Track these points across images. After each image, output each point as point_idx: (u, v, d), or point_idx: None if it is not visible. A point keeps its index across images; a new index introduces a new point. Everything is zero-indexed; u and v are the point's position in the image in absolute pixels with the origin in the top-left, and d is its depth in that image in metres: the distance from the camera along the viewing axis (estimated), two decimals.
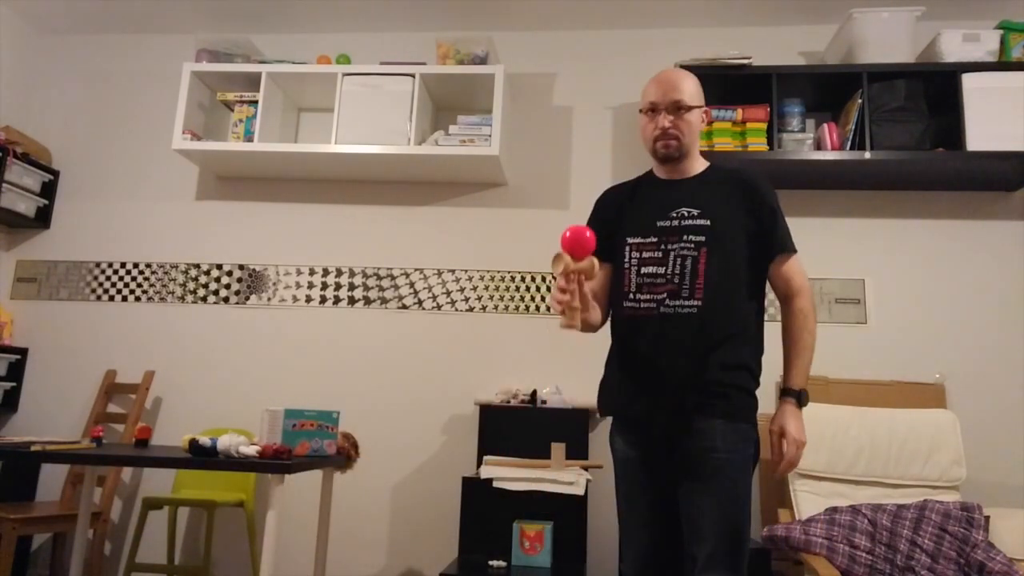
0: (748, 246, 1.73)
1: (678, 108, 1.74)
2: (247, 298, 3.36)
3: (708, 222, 1.71)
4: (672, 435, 1.67)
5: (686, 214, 1.73)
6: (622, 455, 1.76)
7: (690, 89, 1.77)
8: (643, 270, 1.74)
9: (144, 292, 3.42)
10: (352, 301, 3.31)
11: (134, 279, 3.44)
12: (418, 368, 3.22)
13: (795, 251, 1.78)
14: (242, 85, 3.28)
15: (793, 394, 1.72)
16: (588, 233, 1.46)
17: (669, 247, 1.72)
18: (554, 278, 1.77)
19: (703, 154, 1.89)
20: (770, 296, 1.80)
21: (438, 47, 3.23)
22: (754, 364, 1.73)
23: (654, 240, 1.74)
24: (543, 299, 3.21)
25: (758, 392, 1.73)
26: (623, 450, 1.76)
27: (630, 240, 1.77)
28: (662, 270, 1.71)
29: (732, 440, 1.64)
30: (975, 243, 3.05)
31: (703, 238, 1.70)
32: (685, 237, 1.71)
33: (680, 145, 1.76)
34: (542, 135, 3.37)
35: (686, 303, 1.68)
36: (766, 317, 1.80)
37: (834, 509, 2.37)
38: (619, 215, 1.84)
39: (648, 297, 1.71)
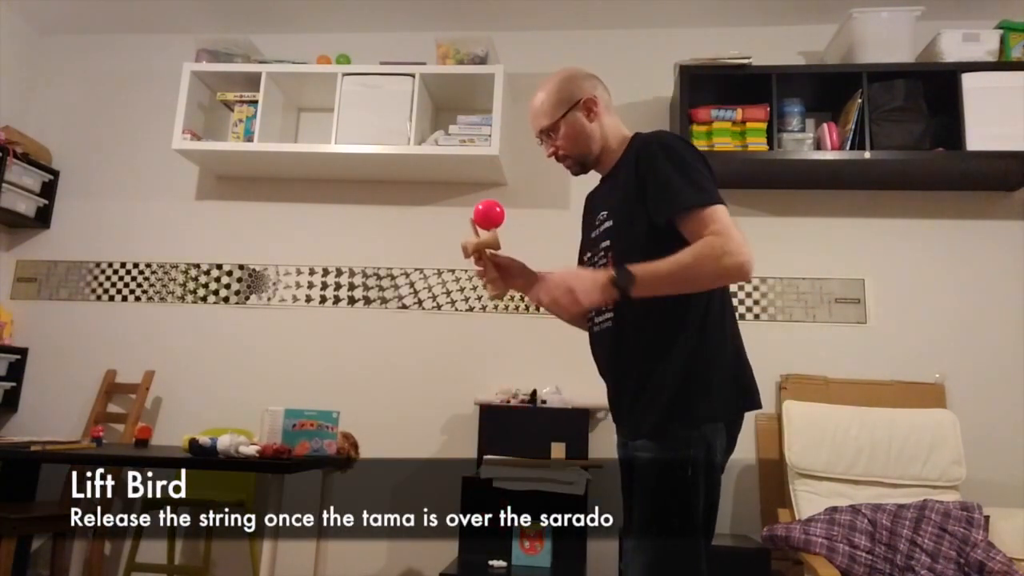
0: (652, 231, 1.47)
1: (547, 134, 1.65)
2: (247, 298, 3.36)
3: (612, 223, 1.58)
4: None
5: (603, 218, 1.62)
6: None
7: (546, 107, 1.63)
8: None
9: (144, 292, 3.42)
10: (352, 301, 3.31)
11: (134, 279, 3.44)
12: (418, 368, 3.21)
13: (703, 204, 1.41)
14: (242, 85, 3.28)
15: (621, 274, 1.38)
16: (498, 208, 1.52)
17: (594, 259, 1.64)
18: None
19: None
20: (733, 287, 1.63)
21: (438, 47, 3.23)
22: (679, 376, 1.48)
23: (589, 255, 1.67)
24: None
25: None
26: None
27: (583, 258, 1.72)
28: None
29: (650, 473, 1.49)
30: (975, 243, 3.05)
31: (608, 242, 1.58)
32: (600, 246, 1.61)
33: (573, 161, 1.66)
34: None
35: (598, 318, 1.61)
36: (742, 312, 1.62)
37: (834, 509, 2.37)
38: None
39: (591, 314, 1.65)
